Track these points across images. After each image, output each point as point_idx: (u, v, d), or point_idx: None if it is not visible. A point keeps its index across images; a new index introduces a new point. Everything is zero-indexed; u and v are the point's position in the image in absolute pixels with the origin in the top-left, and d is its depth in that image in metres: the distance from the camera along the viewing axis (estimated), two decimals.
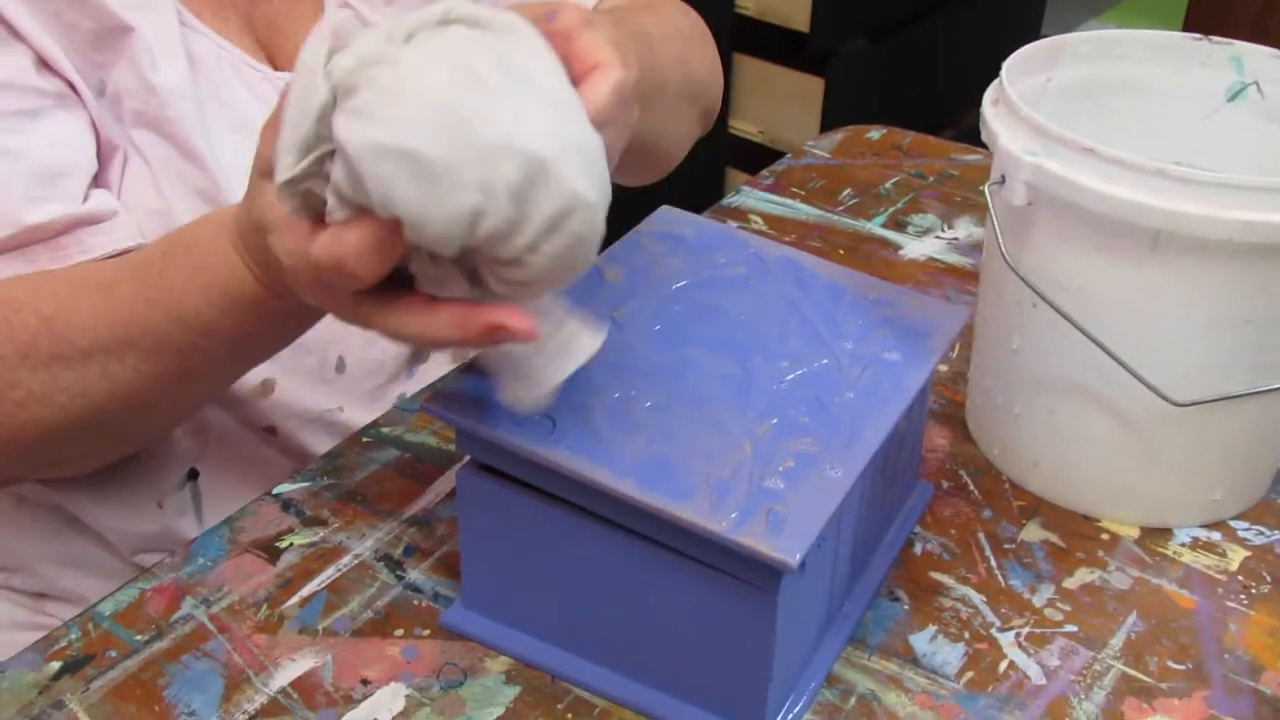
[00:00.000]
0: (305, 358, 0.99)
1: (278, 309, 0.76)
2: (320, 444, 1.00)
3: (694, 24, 1.09)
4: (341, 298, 0.64)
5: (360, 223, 0.59)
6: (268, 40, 0.97)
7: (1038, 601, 0.84)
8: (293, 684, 0.77)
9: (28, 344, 0.78)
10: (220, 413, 0.98)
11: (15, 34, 0.84)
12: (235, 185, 0.86)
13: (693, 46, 1.05)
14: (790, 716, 0.75)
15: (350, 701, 0.76)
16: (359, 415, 1.02)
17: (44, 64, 0.86)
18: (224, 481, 1.00)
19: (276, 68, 0.97)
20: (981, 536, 0.89)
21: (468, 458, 0.76)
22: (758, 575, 0.68)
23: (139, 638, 0.79)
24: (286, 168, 0.59)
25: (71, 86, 0.87)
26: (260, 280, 0.74)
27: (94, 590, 0.99)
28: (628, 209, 1.17)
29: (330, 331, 0.93)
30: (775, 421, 0.73)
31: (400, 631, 0.80)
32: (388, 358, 1.04)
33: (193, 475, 0.99)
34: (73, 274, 0.82)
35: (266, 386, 0.98)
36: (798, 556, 0.65)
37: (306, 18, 0.98)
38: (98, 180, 0.88)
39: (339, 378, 1.01)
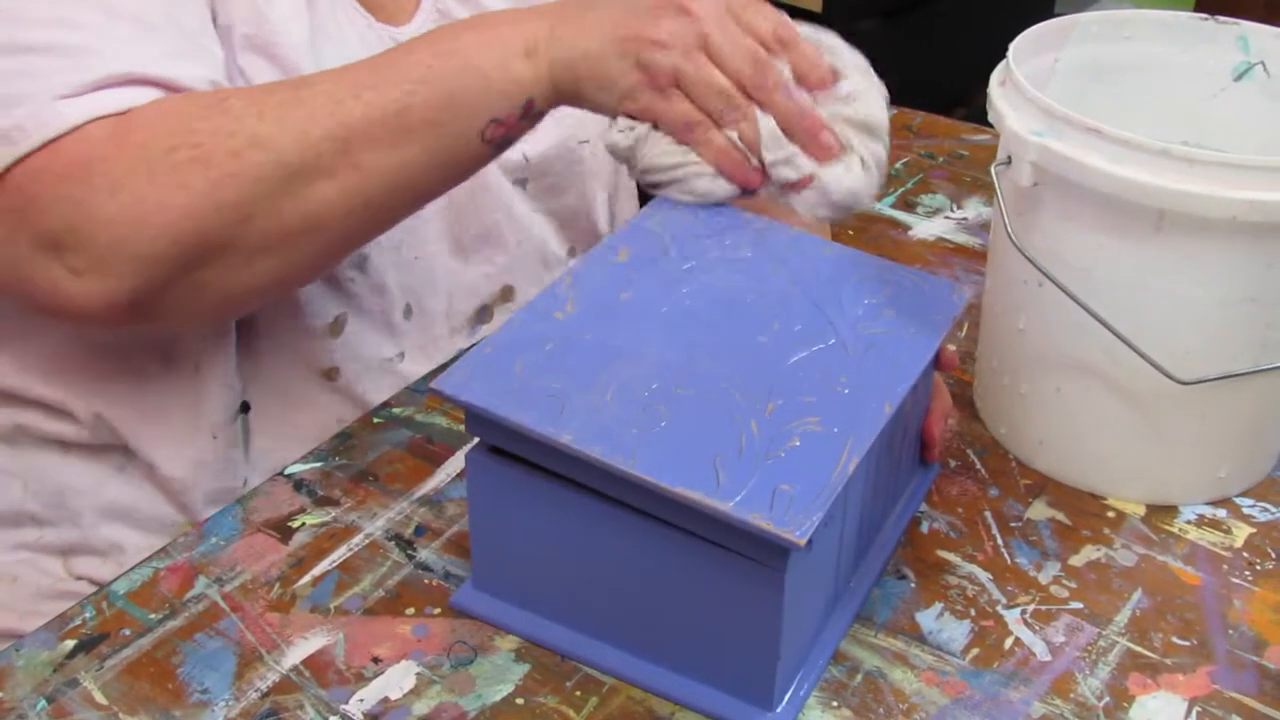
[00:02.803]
0: (378, 299, 1.03)
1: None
2: (376, 391, 1.03)
3: None
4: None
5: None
6: None
7: (1043, 579, 0.85)
8: (305, 662, 0.77)
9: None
10: (276, 351, 1.00)
11: None
12: None
13: None
14: (799, 694, 0.76)
15: (361, 679, 0.76)
16: (417, 365, 1.05)
17: None
18: (272, 421, 1.03)
19: (376, 16, 1.02)
20: (988, 515, 0.90)
21: (477, 439, 0.76)
22: (765, 554, 0.69)
23: (153, 616, 0.80)
24: None
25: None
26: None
27: (131, 541, 1.01)
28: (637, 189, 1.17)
29: (405, 278, 1.01)
30: (781, 402, 0.73)
31: (411, 610, 0.81)
32: (454, 310, 1.08)
33: (244, 409, 1.01)
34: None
35: (338, 325, 1.01)
36: (805, 535, 0.66)
37: None
38: None
39: (405, 324, 1.05)
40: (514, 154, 1.09)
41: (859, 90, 0.86)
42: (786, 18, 0.86)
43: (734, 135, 0.84)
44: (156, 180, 0.78)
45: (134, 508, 1.01)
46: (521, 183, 1.10)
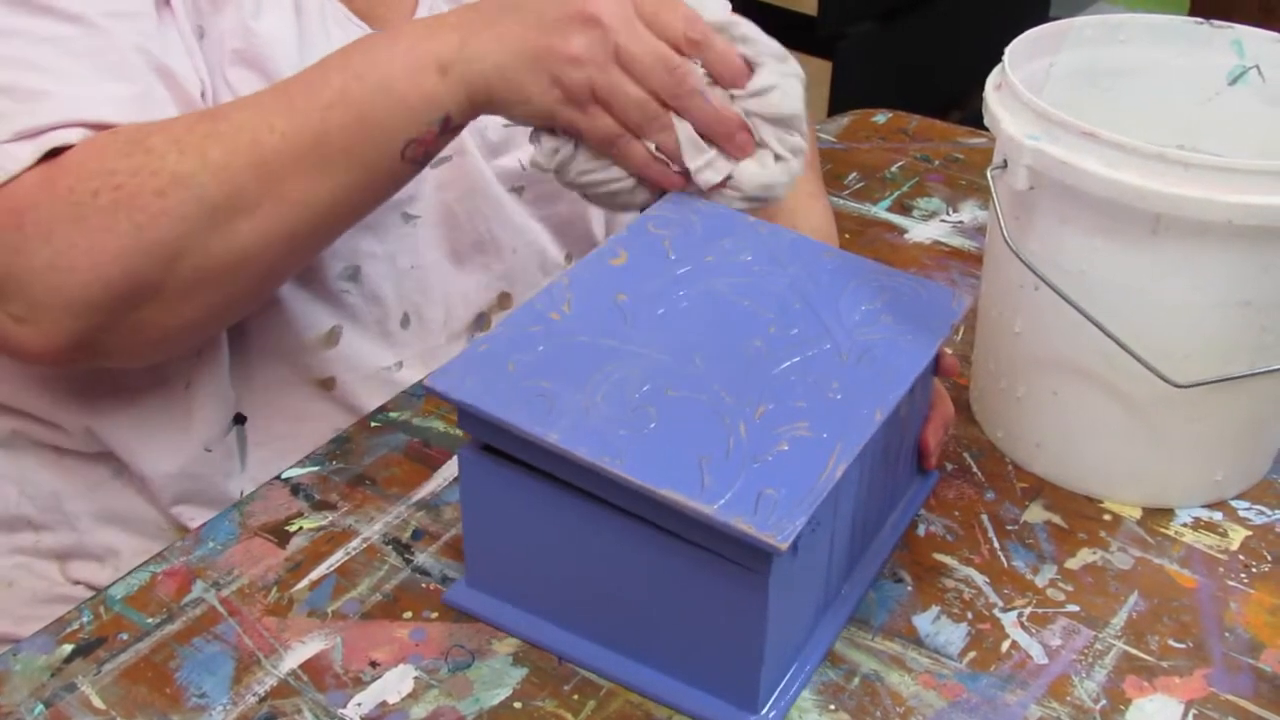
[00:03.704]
0: (374, 309, 1.03)
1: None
2: (373, 400, 1.03)
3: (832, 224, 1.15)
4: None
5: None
6: (365, 3, 1.02)
7: (1040, 582, 0.85)
8: (302, 666, 0.77)
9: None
10: (271, 362, 1.01)
11: None
12: None
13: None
14: (786, 697, 0.76)
15: (359, 683, 0.76)
16: (416, 374, 1.05)
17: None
18: (269, 432, 1.03)
19: (372, 25, 1.01)
20: (984, 518, 0.90)
21: (470, 438, 0.76)
22: (748, 557, 0.69)
23: (150, 621, 0.80)
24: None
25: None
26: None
27: (127, 546, 1.01)
28: None
29: (402, 288, 1.02)
30: (772, 406, 0.73)
31: (409, 614, 0.81)
32: (452, 318, 1.08)
33: (239, 420, 1.02)
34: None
35: (333, 336, 1.01)
36: (787, 539, 0.66)
37: None
38: None
39: (402, 333, 1.05)
40: (510, 162, 1.09)
41: (773, 83, 0.86)
42: (696, 13, 0.84)
43: (653, 146, 0.85)
44: (84, 225, 0.78)
45: (129, 512, 1.01)
46: (518, 190, 1.10)
